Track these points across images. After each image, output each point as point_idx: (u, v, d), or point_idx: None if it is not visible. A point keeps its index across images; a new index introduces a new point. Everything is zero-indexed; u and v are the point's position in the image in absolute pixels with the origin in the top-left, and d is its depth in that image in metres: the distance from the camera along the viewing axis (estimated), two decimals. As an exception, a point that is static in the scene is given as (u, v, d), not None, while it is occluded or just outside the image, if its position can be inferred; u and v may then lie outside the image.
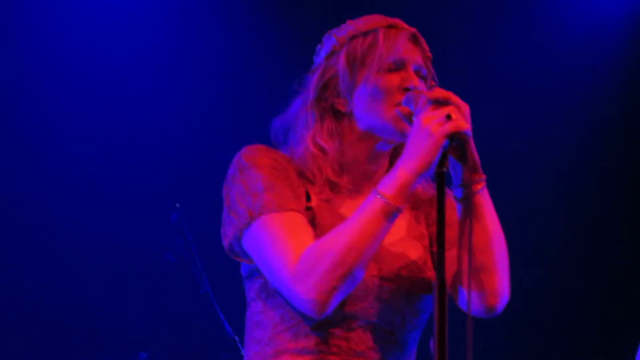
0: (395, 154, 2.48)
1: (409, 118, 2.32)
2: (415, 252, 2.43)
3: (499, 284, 2.33)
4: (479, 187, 2.30)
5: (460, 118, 2.23)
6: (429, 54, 2.47)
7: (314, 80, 2.46)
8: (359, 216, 2.25)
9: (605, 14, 5.77)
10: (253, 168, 2.37)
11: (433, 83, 2.46)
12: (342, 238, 2.23)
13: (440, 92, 2.27)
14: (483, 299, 2.33)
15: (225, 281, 3.03)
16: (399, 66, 2.40)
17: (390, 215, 2.24)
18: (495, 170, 2.61)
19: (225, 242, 2.39)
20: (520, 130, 5.74)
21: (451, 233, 2.36)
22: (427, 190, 2.50)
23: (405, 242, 2.41)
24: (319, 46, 2.52)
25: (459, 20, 5.70)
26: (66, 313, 5.39)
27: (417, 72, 2.42)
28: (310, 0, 5.50)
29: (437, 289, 2.14)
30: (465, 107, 2.26)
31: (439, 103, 2.25)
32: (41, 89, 5.45)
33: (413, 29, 2.46)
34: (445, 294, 2.15)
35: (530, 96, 5.76)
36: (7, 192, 5.40)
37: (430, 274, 2.40)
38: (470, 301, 2.24)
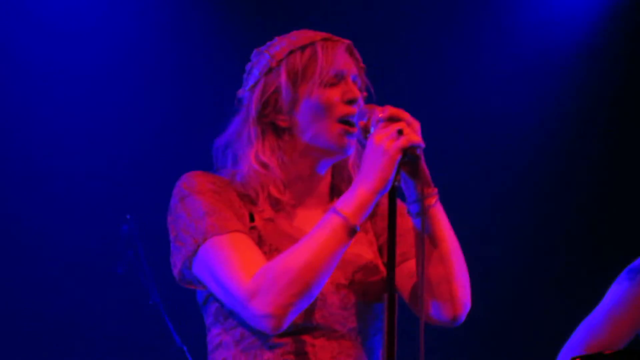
0: (336, 170, 2.52)
1: (365, 131, 2.34)
2: (366, 256, 2.46)
3: (461, 294, 2.37)
4: (432, 200, 2.35)
5: (412, 132, 2.27)
6: (362, 65, 2.51)
7: (254, 97, 2.47)
8: (317, 234, 2.27)
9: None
10: (193, 195, 2.38)
11: (366, 94, 2.49)
12: (300, 255, 2.25)
13: (391, 110, 2.31)
14: (447, 308, 2.37)
15: (175, 292, 3.02)
16: (339, 78, 2.44)
17: (349, 233, 2.27)
18: (451, 181, 2.64)
19: (175, 272, 2.40)
20: (479, 142, 5.77)
21: (405, 245, 2.41)
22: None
23: (355, 248, 2.42)
24: (248, 64, 2.53)
25: (414, 26, 5.72)
26: (15, 324, 5.33)
27: (354, 82, 2.46)
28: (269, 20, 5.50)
29: (386, 302, 2.17)
30: (416, 123, 2.30)
31: (390, 120, 2.29)
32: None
33: (348, 41, 2.50)
34: (394, 307, 2.19)
35: (488, 103, 5.78)
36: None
37: (383, 276, 2.43)
38: (423, 312, 2.28)
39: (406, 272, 2.43)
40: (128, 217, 4.89)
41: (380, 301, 2.42)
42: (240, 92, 2.53)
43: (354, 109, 2.42)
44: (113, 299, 5.33)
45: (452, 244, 2.38)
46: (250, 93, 2.49)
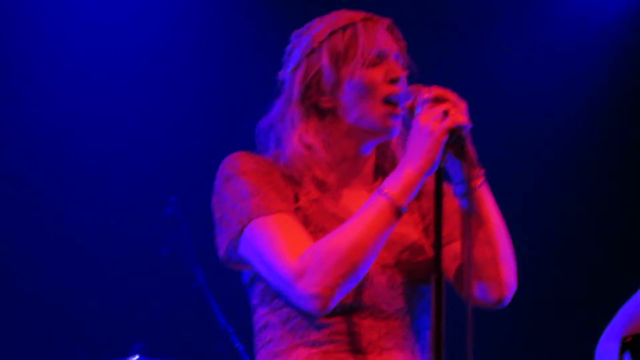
0: (380, 150, 2.51)
1: (411, 112, 2.33)
2: (412, 237, 2.45)
3: (507, 275, 2.37)
4: (478, 181, 2.34)
5: (458, 113, 2.26)
6: (404, 43, 2.49)
7: (297, 79, 2.46)
8: (364, 214, 2.27)
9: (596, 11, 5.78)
10: (237, 175, 2.38)
11: (408, 72, 2.47)
12: (347, 236, 2.25)
13: (437, 90, 2.30)
14: (493, 290, 2.37)
15: (220, 274, 3.03)
16: (381, 57, 2.42)
17: (395, 213, 2.26)
18: (494, 167, 2.62)
19: (221, 253, 2.40)
20: (518, 128, 5.75)
21: (450, 226, 2.40)
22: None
23: (401, 228, 2.41)
24: (289, 47, 2.51)
25: (450, 17, 5.70)
26: (62, 305, 5.39)
27: (396, 61, 2.45)
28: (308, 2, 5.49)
29: (434, 282, 2.16)
30: (463, 104, 2.29)
31: (436, 101, 2.28)
32: (37, 86, 5.45)
33: (388, 20, 2.48)
34: (442, 286, 2.19)
35: (523, 89, 5.76)
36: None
37: (429, 256, 2.42)
38: (470, 294, 2.27)
39: (451, 253, 2.42)
40: (172, 199, 4.90)
41: (426, 282, 2.41)
42: (282, 75, 2.52)
43: (397, 88, 2.40)
44: (158, 281, 5.35)
45: (498, 225, 2.36)
46: (292, 75, 2.48)
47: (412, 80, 2.45)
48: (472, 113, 2.29)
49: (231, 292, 3.33)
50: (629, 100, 5.81)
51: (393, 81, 2.41)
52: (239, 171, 2.38)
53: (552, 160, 5.81)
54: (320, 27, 2.47)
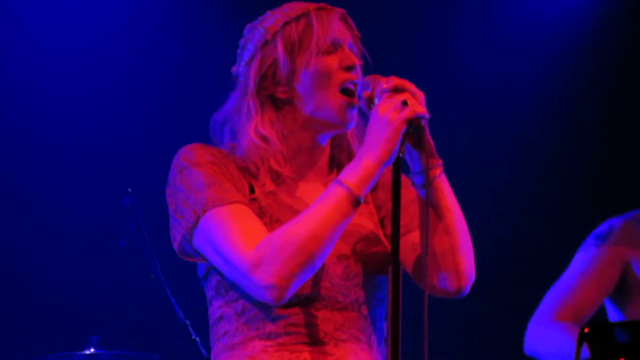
0: (335, 141, 2.51)
1: (369, 102, 2.33)
2: (368, 227, 2.45)
3: (465, 265, 2.37)
4: (437, 171, 2.33)
5: (416, 103, 2.26)
6: (358, 33, 2.50)
7: (252, 71, 2.46)
8: (321, 204, 2.26)
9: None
10: (192, 167, 2.36)
11: (362, 62, 2.47)
12: (304, 226, 2.24)
13: (395, 80, 2.29)
14: (451, 280, 2.37)
15: (177, 266, 3.02)
16: (335, 46, 2.43)
17: (353, 204, 2.25)
18: (452, 157, 2.63)
19: (176, 245, 2.39)
20: (478, 119, 5.77)
21: (408, 216, 2.41)
22: None
23: (356, 219, 2.41)
24: (242, 40, 2.51)
25: (418, 13, 5.71)
26: (16, 296, 5.35)
27: (350, 50, 2.45)
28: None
29: (391, 272, 2.16)
30: (421, 94, 2.29)
31: (395, 91, 2.27)
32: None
33: (342, 10, 2.49)
34: (399, 277, 2.17)
35: (484, 80, 5.78)
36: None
37: (385, 246, 2.43)
38: (429, 284, 2.29)
39: (409, 244, 2.43)
40: (130, 190, 4.88)
41: (382, 272, 2.41)
42: (235, 68, 2.52)
43: (353, 75, 2.41)
44: (115, 272, 5.33)
45: (456, 216, 2.36)
46: (247, 67, 2.48)
47: (368, 71, 2.45)
48: (430, 104, 2.29)
49: (188, 284, 3.32)
50: (590, 95, 5.85)
51: (348, 68, 2.41)
52: (194, 162, 2.37)
53: (513, 150, 5.83)
54: (273, 19, 2.47)
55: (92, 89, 5.50)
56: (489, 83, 5.77)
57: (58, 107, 5.46)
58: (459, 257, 2.36)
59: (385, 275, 2.33)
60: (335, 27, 2.44)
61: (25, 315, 5.38)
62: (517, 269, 5.78)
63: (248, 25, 2.52)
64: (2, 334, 5.33)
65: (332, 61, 2.41)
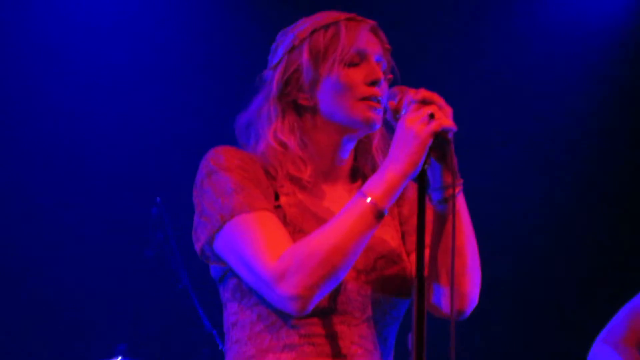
0: (359, 152, 2.49)
1: (395, 112, 2.30)
2: (391, 244, 2.43)
3: (470, 288, 2.34)
4: (456, 190, 2.29)
5: (443, 117, 2.23)
6: (388, 46, 2.47)
7: (276, 76, 2.45)
8: (344, 216, 2.24)
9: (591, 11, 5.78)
10: (221, 171, 2.35)
11: (392, 76, 2.46)
12: (328, 238, 2.22)
13: (424, 93, 2.26)
14: (455, 301, 2.32)
15: (204, 276, 3.01)
16: (362, 58, 2.40)
17: (377, 216, 2.22)
18: (480, 172, 2.61)
19: (197, 247, 2.37)
20: (504, 130, 5.76)
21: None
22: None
23: (381, 232, 2.40)
24: (273, 45, 2.50)
25: (444, 19, 5.70)
26: (45, 306, 5.37)
27: (378, 63, 2.42)
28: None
29: (416, 286, 2.15)
30: (448, 109, 2.25)
31: (423, 103, 2.25)
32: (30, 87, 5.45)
33: (373, 22, 2.46)
34: (424, 291, 2.15)
35: (509, 94, 5.77)
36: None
37: (405, 265, 2.41)
38: (453, 301, 2.23)
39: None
40: (157, 200, 4.89)
41: (398, 291, 2.39)
42: (265, 73, 2.51)
43: (376, 91, 2.38)
44: (142, 282, 5.34)
45: (468, 238, 2.33)
46: (273, 71, 2.47)
47: (395, 83, 2.43)
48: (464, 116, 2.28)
49: (215, 294, 3.32)
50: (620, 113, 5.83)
51: (372, 83, 2.39)
52: (223, 166, 2.35)
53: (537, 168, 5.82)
54: (304, 25, 2.46)
55: (121, 99, 5.52)
56: (518, 103, 5.76)
57: (87, 116, 5.48)
58: (465, 279, 2.32)
59: (401, 296, 2.35)
60: (363, 38, 2.41)
61: (53, 323, 5.40)
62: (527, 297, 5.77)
63: (282, 31, 2.51)
64: (31, 343, 5.36)
65: (357, 74, 2.39)
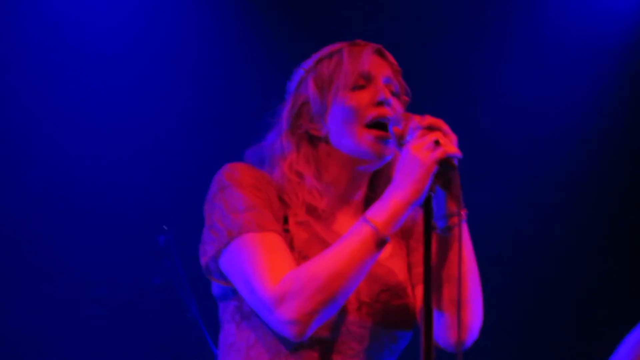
0: (375, 177, 2.48)
1: (400, 139, 2.30)
2: (398, 277, 2.42)
3: (471, 318, 2.33)
4: (459, 219, 2.28)
5: (448, 143, 2.22)
6: (398, 68, 2.48)
7: (285, 110, 2.48)
8: (346, 242, 2.23)
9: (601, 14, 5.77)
10: (234, 187, 2.35)
11: (407, 98, 2.46)
12: (328, 263, 2.21)
13: (430, 119, 2.26)
14: (453, 332, 2.31)
15: (213, 304, 3.01)
16: (367, 80, 2.41)
17: (378, 243, 2.22)
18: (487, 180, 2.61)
19: (203, 261, 2.36)
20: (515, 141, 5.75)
21: (421, 265, 2.35)
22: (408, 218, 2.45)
23: (389, 263, 2.39)
24: (289, 82, 2.52)
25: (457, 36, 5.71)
26: (53, 334, 5.36)
27: (387, 85, 2.42)
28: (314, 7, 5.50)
29: (424, 315, 2.14)
30: (453, 136, 2.25)
31: (428, 129, 2.24)
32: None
33: (378, 45, 2.47)
34: (432, 320, 2.14)
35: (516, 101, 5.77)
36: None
37: (409, 300, 2.39)
38: (460, 329, 2.24)
39: (420, 294, 2.39)
40: (165, 227, 4.88)
41: (399, 326, 2.37)
42: (278, 108, 2.53)
43: (384, 110, 2.38)
44: (150, 311, 5.33)
45: (471, 268, 2.32)
46: (283, 106, 2.50)
47: (411, 106, 2.44)
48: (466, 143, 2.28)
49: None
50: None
51: (379, 104, 2.38)
52: (237, 183, 2.35)
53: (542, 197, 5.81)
54: (312, 59, 2.49)
55: (130, 126, 5.52)
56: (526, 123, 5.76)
57: (94, 143, 5.48)
58: (466, 310, 2.30)
59: (403, 328, 2.35)
60: (366, 61, 2.42)
61: (62, 352, 5.39)
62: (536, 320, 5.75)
63: (295, 69, 2.53)
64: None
65: (363, 96, 2.39)
